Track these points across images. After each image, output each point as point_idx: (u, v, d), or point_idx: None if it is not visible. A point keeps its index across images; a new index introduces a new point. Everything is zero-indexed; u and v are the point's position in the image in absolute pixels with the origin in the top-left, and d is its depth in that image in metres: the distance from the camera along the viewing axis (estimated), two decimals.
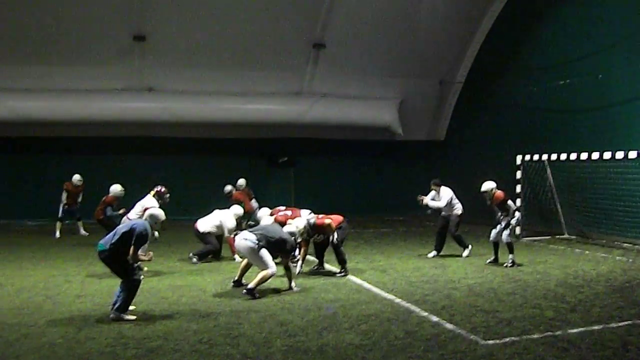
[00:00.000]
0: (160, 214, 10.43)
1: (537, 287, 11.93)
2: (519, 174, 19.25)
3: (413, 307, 10.22)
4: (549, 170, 19.29)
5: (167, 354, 7.69)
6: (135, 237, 9.39)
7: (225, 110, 24.57)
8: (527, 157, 18.99)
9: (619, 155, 15.68)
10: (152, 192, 14.47)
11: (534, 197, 19.92)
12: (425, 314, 9.79)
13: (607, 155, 15.97)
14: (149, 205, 13.09)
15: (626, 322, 9.13)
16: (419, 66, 25.75)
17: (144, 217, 10.51)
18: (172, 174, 24.03)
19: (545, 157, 18.32)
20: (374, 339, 8.26)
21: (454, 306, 10.34)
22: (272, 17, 22.89)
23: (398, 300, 10.61)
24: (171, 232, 17.03)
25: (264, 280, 11.12)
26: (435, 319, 9.46)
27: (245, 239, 11.24)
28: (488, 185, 14.60)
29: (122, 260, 9.42)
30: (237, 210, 15.88)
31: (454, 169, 21.75)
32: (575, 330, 8.74)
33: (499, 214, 14.53)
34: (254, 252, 11.21)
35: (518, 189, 19.16)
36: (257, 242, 11.12)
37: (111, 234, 9.62)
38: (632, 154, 15.33)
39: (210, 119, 24.63)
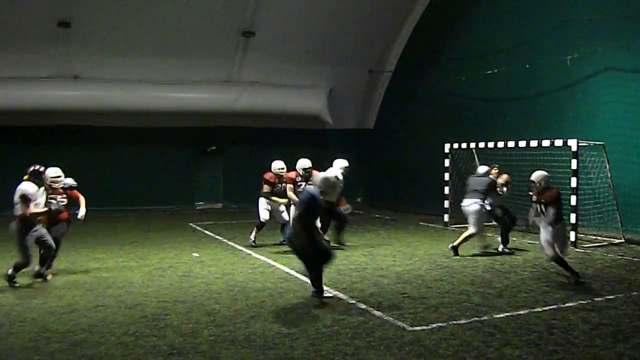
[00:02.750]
0: (26, 189, 10.58)
1: (464, 274, 12.02)
2: (447, 162, 19.37)
3: (341, 295, 10.14)
4: (476, 158, 19.44)
5: (92, 347, 7.44)
6: None
7: (153, 98, 24.15)
8: (456, 145, 19.11)
9: (546, 143, 15.84)
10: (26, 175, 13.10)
11: (462, 185, 20.03)
12: (353, 301, 9.74)
13: (533, 143, 16.13)
14: (22, 187, 11.88)
15: (551, 307, 9.24)
16: (348, 55, 25.74)
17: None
18: (100, 164, 23.59)
19: (473, 145, 18.43)
20: (302, 327, 8.17)
21: (382, 293, 10.32)
22: (201, 4, 22.51)
23: (326, 288, 10.50)
24: (98, 223, 16.69)
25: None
26: (363, 306, 9.42)
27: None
28: (539, 175, 11.60)
29: None
30: None
31: (383, 157, 21.86)
32: (501, 315, 8.82)
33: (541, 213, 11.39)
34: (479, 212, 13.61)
35: (446, 176, 19.32)
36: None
37: None
38: (558, 142, 15.52)
39: (138, 107, 24.18)
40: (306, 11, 23.70)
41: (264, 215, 15.52)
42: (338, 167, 14.89)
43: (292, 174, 15.17)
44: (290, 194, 14.92)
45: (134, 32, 22.64)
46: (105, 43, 22.71)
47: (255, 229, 15.72)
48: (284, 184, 15.21)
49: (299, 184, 14.98)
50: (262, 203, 15.55)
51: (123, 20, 22.25)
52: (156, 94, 24.21)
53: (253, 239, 15.63)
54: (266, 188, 15.39)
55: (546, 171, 12.59)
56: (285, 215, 15.35)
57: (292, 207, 14.21)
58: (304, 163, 15.18)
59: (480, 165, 15.60)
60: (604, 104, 17.01)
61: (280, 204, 15.38)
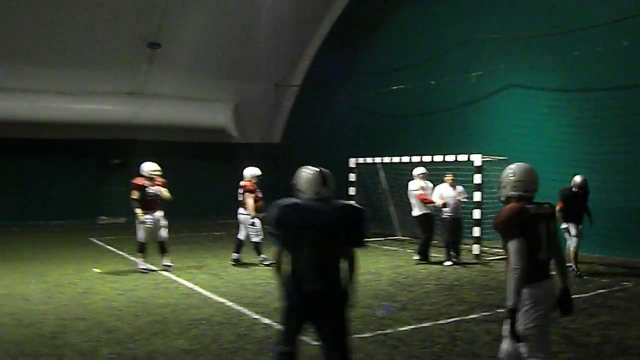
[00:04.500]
0: None
1: (369, 287, 11.93)
2: (352, 177, 19.42)
3: (244, 310, 9.96)
4: (382, 173, 19.58)
5: None
6: None
7: (54, 109, 23.31)
8: (361, 159, 19.17)
9: (450, 158, 16.04)
10: None
11: (368, 199, 20.17)
12: (257, 316, 9.57)
13: (438, 158, 16.30)
14: None
15: (454, 319, 9.24)
16: (255, 69, 25.57)
17: None
18: None
19: (378, 159, 18.55)
20: (205, 344, 7.94)
21: None
22: (106, 14, 21.89)
23: (230, 303, 10.32)
24: None
25: None
26: (267, 321, 9.23)
27: None
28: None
29: None
30: None
31: (289, 171, 21.63)
32: (405, 328, 8.77)
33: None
34: None
35: (352, 191, 19.33)
36: None
37: None
38: (462, 157, 15.72)
39: (38, 118, 23.29)
40: (214, 24, 23.47)
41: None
42: (249, 176, 14.65)
43: (248, 183, 14.65)
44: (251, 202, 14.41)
45: (35, 41, 21.75)
46: (5, 52, 21.94)
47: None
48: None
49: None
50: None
51: (24, 28, 21.43)
52: (57, 105, 23.37)
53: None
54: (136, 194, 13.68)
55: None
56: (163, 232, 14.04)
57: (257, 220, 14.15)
58: (255, 171, 14.84)
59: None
60: (507, 120, 17.37)
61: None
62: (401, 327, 8.87)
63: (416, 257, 14.99)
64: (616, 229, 13.67)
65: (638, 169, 13.88)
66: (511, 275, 5.09)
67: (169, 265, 13.90)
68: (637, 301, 10.50)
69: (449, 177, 14.73)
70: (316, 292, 5.41)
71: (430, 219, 15.08)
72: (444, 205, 14.56)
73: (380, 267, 14.44)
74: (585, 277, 12.48)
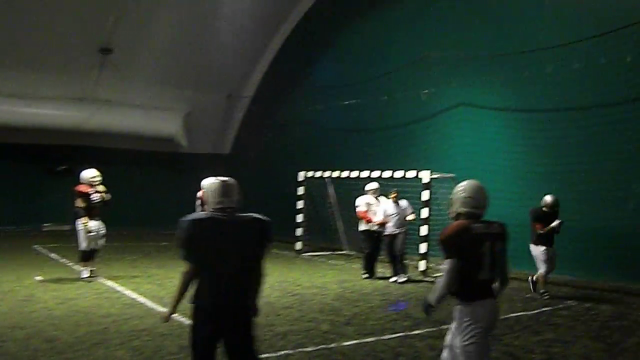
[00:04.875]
0: None
1: (314, 301, 11.90)
2: (301, 190, 19.36)
3: (188, 322, 9.80)
4: (331, 187, 19.57)
5: None
6: None
7: (0, 112, 22.82)
8: (310, 173, 19.12)
9: (398, 174, 16.09)
10: None
11: (316, 213, 20.15)
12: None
13: (387, 173, 16.34)
14: None
15: (399, 334, 9.21)
16: (207, 79, 25.42)
17: None
18: None
19: (327, 173, 18.52)
20: (146, 355, 7.79)
21: None
22: (57, 18, 21.49)
23: (173, 315, 10.18)
24: None
25: None
26: None
27: None
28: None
29: None
30: None
31: (239, 182, 21.56)
32: (349, 343, 8.72)
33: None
34: None
35: (300, 204, 19.27)
36: None
37: None
38: (411, 173, 15.79)
39: None
40: (167, 33, 23.30)
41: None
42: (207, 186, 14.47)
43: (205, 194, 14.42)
44: None
45: None
46: None
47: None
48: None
49: None
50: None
51: None
52: (4, 108, 22.81)
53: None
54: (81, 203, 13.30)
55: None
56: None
57: None
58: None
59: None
60: (456, 137, 17.49)
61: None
62: (345, 341, 8.81)
63: (364, 273, 14.97)
64: (563, 247, 13.78)
65: (587, 189, 14.05)
66: (438, 286, 5.34)
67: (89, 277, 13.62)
68: (580, 319, 10.59)
69: (392, 194, 14.65)
70: (223, 307, 5.37)
71: (370, 236, 15.14)
72: (382, 224, 14.62)
73: (327, 281, 14.40)
74: (547, 299, 12.42)
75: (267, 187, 23.78)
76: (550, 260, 12.46)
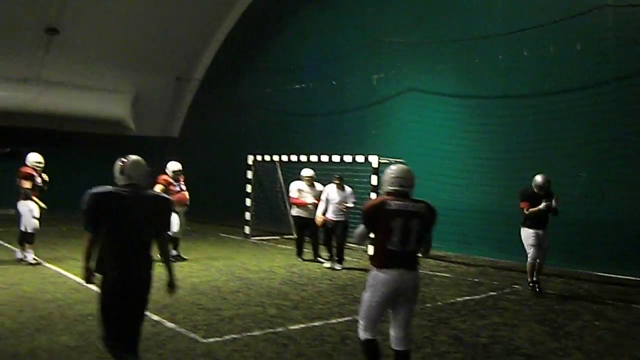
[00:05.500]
0: None
1: (261, 286, 11.80)
2: (249, 174, 19.20)
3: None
4: (279, 171, 19.45)
5: None
6: None
7: None
8: (259, 157, 18.96)
9: (348, 158, 16.04)
10: None
11: (265, 197, 20.05)
12: (146, 313, 9.30)
13: (336, 158, 16.28)
14: None
15: (346, 318, 9.15)
16: (156, 61, 24.99)
17: None
18: None
19: (276, 158, 18.37)
20: (91, 340, 7.56)
21: (176, 305, 9.89)
22: None
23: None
24: None
25: None
26: (156, 318, 8.94)
27: None
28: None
29: None
30: None
31: (187, 166, 21.23)
32: (296, 327, 8.67)
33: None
34: None
35: (248, 188, 19.12)
36: None
37: None
38: (360, 158, 15.74)
39: None
40: (115, 13, 22.77)
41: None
42: (169, 170, 14.34)
43: (163, 176, 14.30)
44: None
45: None
46: None
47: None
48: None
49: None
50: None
51: None
52: None
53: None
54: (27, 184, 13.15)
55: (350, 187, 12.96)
56: None
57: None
58: (173, 165, 14.45)
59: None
60: (406, 123, 17.49)
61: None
62: (292, 325, 8.75)
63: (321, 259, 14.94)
64: (509, 233, 13.87)
65: (529, 175, 14.11)
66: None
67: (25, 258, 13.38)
68: (526, 303, 10.65)
69: (337, 179, 14.27)
70: (125, 278, 5.68)
71: (300, 221, 15.19)
72: (314, 205, 14.64)
73: (275, 265, 14.30)
74: (539, 291, 11.35)
75: (217, 171, 23.60)
76: (539, 246, 11.25)
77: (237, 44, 24.71)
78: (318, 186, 15.03)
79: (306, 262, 14.76)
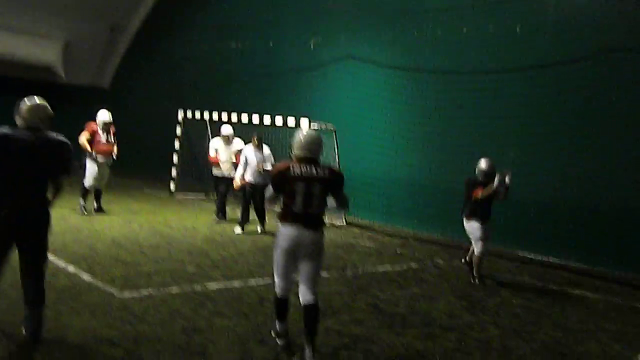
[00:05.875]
0: None
1: (183, 243, 11.70)
2: (178, 130, 18.88)
3: (50, 257, 9.41)
4: (209, 129, 19.16)
5: None
6: None
7: None
8: (189, 113, 18.63)
9: (279, 121, 15.87)
10: None
11: (193, 155, 19.76)
12: (63, 264, 9.08)
13: (267, 119, 16.11)
14: None
15: (265, 280, 9.05)
16: (89, 8, 24.07)
17: None
18: None
19: (206, 115, 18.06)
20: (1, 289, 7.38)
21: (95, 257, 9.79)
22: None
23: None
24: None
25: None
26: (72, 269, 8.83)
27: None
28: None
29: None
30: None
31: (116, 119, 20.78)
32: (215, 286, 8.62)
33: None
34: None
35: (176, 145, 18.83)
36: None
37: None
38: (291, 121, 15.60)
39: None
40: None
41: None
42: (100, 121, 14.16)
43: (91, 124, 14.09)
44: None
45: None
46: None
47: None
48: None
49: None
50: None
51: None
52: None
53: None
54: None
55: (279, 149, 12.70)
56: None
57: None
58: (102, 116, 14.27)
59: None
60: (340, 89, 17.35)
61: None
62: (211, 284, 8.70)
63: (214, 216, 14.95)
64: (435, 206, 13.97)
65: (466, 151, 14.17)
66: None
67: None
68: (446, 277, 10.73)
69: (255, 139, 13.65)
70: (19, 213, 5.84)
71: (216, 180, 15.15)
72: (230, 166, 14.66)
73: (198, 223, 14.16)
74: (487, 282, 10.48)
75: (147, 126, 23.16)
76: (486, 239, 10.29)
77: (170, 3, 24.19)
78: (236, 145, 14.86)
79: (228, 222, 14.55)
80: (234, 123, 16.46)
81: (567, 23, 13.34)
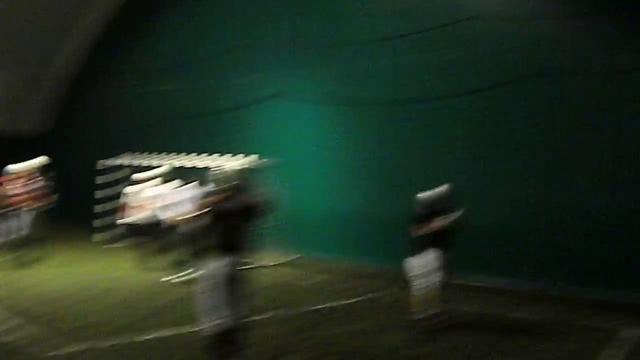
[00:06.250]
0: None
1: (109, 295, 11.26)
2: (100, 179, 18.47)
3: None
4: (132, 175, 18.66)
5: None
6: None
7: None
8: (111, 161, 18.21)
9: (216, 159, 15.80)
10: None
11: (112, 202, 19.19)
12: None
13: (203, 159, 16.09)
14: None
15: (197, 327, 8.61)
16: (12, 54, 23.48)
17: None
18: None
19: (128, 160, 17.58)
20: None
21: (19, 315, 9.37)
22: None
23: None
24: None
25: None
26: None
27: None
28: None
29: None
30: None
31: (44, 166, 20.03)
32: (144, 337, 8.31)
33: None
34: None
35: (98, 194, 18.41)
36: None
37: None
38: (229, 159, 15.54)
39: None
40: None
41: None
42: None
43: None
44: None
45: None
46: None
47: None
48: None
49: None
50: None
51: None
52: None
53: None
54: None
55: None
56: None
57: None
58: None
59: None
60: (278, 124, 17.33)
61: None
62: (140, 336, 8.37)
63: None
64: (373, 238, 13.84)
65: (400, 181, 14.12)
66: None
67: None
68: (388, 310, 10.53)
69: (186, 179, 13.36)
70: None
71: (136, 227, 14.73)
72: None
73: (126, 273, 13.65)
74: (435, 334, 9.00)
75: (74, 173, 22.41)
76: (441, 269, 9.07)
77: (106, 41, 23.75)
78: (155, 188, 14.31)
79: (155, 270, 13.92)
80: (169, 165, 16.13)
81: (496, 48, 13.49)
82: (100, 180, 18.56)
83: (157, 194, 14.08)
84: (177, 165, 16.06)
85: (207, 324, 6.73)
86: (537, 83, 12.78)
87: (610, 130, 12.20)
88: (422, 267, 8.98)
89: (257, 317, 9.24)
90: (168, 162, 16.19)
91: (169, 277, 12.83)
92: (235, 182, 6.99)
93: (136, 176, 14.62)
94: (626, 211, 11.84)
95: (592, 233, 12.06)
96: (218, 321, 6.69)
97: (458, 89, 13.98)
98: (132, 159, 17.56)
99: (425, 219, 9.09)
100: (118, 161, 17.90)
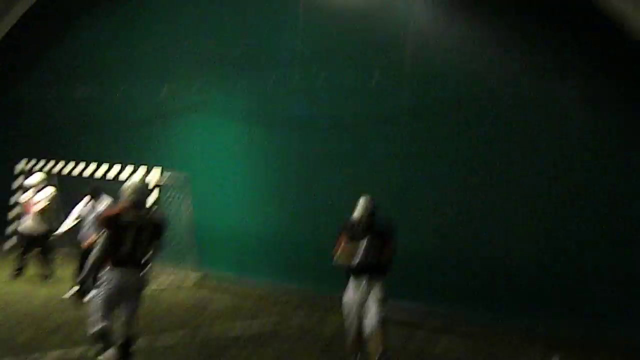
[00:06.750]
0: None
1: (17, 308, 10.78)
2: (17, 183, 17.77)
3: None
4: (54, 181, 18.16)
5: None
6: None
7: None
8: (33, 164, 17.57)
9: (128, 171, 15.26)
10: None
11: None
12: None
13: (116, 168, 15.60)
14: None
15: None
16: None
17: None
18: None
19: (53, 164, 17.06)
20: None
21: None
22: None
23: None
24: None
25: None
26: None
27: None
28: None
29: None
30: None
31: None
32: (53, 353, 8.07)
33: None
34: None
35: (13, 199, 17.74)
36: None
37: None
38: (142, 170, 15.01)
39: None
40: None
41: None
42: None
43: None
44: None
45: None
46: None
47: None
48: None
49: None
50: None
51: None
52: None
53: None
54: None
55: None
56: None
57: None
58: None
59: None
60: (195, 137, 17.15)
61: None
62: (49, 352, 8.09)
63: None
64: (287, 259, 13.71)
65: (318, 202, 14.12)
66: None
67: None
68: (302, 335, 10.46)
69: (90, 192, 12.45)
70: None
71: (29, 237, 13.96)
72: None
73: (36, 285, 13.09)
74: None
75: None
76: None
77: (23, 37, 23.11)
78: (46, 193, 13.82)
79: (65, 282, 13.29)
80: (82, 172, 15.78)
81: (426, 73, 13.74)
82: (16, 184, 17.83)
83: (35, 201, 13.68)
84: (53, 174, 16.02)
85: (93, 327, 6.86)
86: (461, 111, 13.13)
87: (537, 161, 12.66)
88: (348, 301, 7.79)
89: (159, 343, 9.14)
90: (42, 171, 15.86)
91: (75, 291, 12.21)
92: (134, 196, 7.15)
93: (27, 182, 14.16)
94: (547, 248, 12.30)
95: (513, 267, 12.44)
96: (102, 324, 6.84)
97: (385, 112, 14.22)
98: (37, 165, 17.15)
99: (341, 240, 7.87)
100: (28, 166, 17.33)
